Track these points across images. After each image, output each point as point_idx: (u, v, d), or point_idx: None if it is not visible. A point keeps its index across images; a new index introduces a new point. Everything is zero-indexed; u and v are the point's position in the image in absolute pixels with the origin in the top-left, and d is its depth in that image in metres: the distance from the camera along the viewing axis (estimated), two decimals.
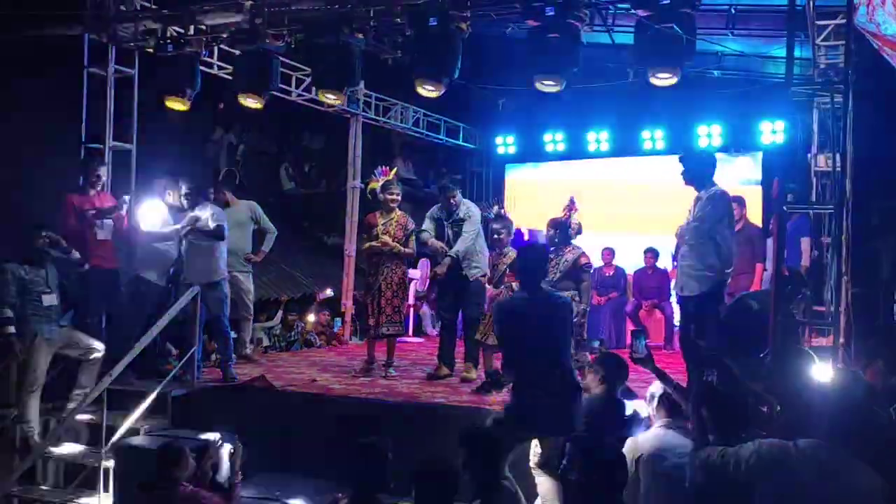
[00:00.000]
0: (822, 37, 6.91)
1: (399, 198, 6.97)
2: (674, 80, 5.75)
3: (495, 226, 6.73)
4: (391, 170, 7.29)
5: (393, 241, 6.76)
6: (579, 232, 6.47)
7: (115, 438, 5.63)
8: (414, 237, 6.88)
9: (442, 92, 6.21)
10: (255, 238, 7.85)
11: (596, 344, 5.90)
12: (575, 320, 5.98)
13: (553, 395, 4.30)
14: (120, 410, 5.84)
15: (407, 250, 6.84)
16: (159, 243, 6.80)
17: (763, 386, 4.68)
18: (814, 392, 4.47)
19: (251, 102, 7.01)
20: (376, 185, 7.12)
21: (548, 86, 5.81)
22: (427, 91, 6.20)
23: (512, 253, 6.43)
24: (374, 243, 6.79)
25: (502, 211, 6.80)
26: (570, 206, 6.44)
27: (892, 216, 10.70)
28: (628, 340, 9.69)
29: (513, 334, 4.52)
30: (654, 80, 5.86)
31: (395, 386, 6.45)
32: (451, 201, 6.75)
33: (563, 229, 6.27)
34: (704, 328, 5.42)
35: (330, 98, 7.04)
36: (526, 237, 9.92)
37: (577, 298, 6.02)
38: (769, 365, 5.00)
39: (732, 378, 4.93)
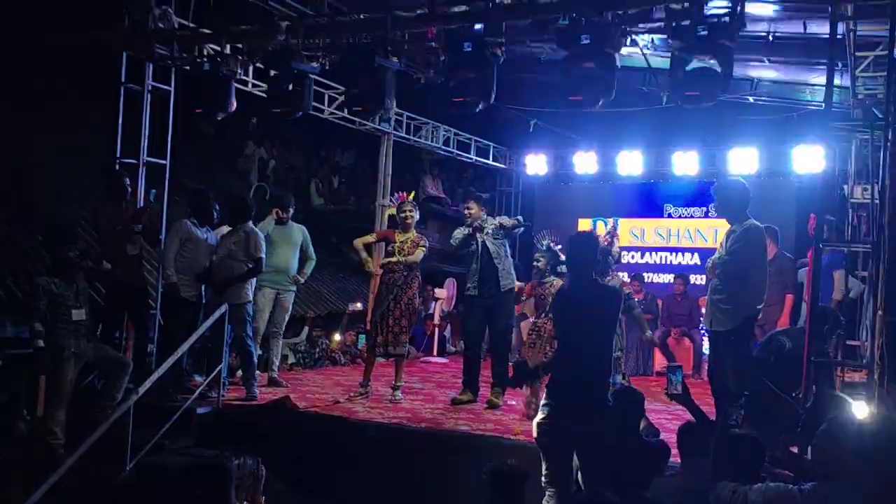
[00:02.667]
0: (861, 67, 6.79)
1: (414, 215, 7.00)
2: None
3: (537, 254, 6.76)
4: (409, 194, 7.34)
5: (405, 257, 6.81)
6: (618, 261, 6.39)
7: (139, 455, 5.64)
8: (423, 249, 6.89)
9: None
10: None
11: (619, 378, 5.80)
12: (617, 353, 5.95)
13: (588, 413, 4.15)
14: (145, 427, 5.86)
15: (411, 258, 6.83)
16: (189, 254, 6.83)
17: (796, 426, 4.61)
18: (848, 432, 4.39)
19: None
20: (393, 210, 7.19)
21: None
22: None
23: (557, 281, 6.44)
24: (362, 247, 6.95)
25: (552, 244, 6.76)
26: (613, 233, 6.36)
27: None
28: (655, 367, 9.71)
29: (565, 325, 4.44)
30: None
31: (419, 411, 6.42)
32: (468, 213, 6.87)
33: (604, 256, 6.20)
34: (734, 365, 5.32)
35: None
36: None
37: (617, 331, 5.92)
38: (802, 405, 4.92)
39: (762, 418, 4.87)
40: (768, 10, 7.08)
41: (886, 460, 3.27)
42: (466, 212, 6.94)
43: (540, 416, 4.18)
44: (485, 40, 5.85)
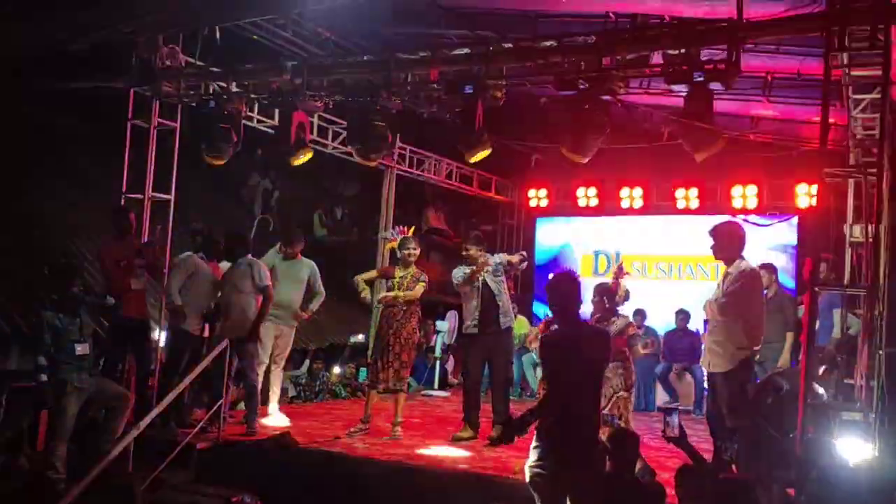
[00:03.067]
0: (858, 109, 6.86)
1: (417, 252, 7.07)
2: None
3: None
4: (409, 228, 7.39)
5: (406, 292, 6.85)
6: (626, 299, 6.40)
7: (141, 488, 5.66)
8: (423, 284, 6.93)
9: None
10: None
11: (617, 419, 5.80)
12: (623, 394, 5.96)
13: (576, 459, 4.10)
14: (145, 461, 5.89)
15: (410, 294, 6.87)
16: (194, 289, 6.90)
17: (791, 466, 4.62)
18: (842, 473, 4.40)
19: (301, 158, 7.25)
20: (394, 244, 7.24)
21: (575, 157, 5.84)
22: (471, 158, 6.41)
23: None
24: (387, 294, 6.92)
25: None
26: (619, 273, 6.37)
27: None
28: (658, 402, 9.71)
29: (554, 371, 4.30)
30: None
31: (418, 447, 6.43)
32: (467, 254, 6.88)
33: (610, 296, 6.21)
34: (731, 405, 5.35)
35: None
36: None
37: (621, 371, 5.95)
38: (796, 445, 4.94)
39: (757, 459, 4.88)
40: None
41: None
42: (465, 253, 6.96)
43: (531, 458, 4.18)
44: (486, 82, 5.96)
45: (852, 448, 4.93)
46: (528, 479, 4.19)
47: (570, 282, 4.34)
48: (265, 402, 7.35)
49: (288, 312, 7.41)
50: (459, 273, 6.94)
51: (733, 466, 5.13)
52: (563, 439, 4.08)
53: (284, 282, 7.32)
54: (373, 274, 7.32)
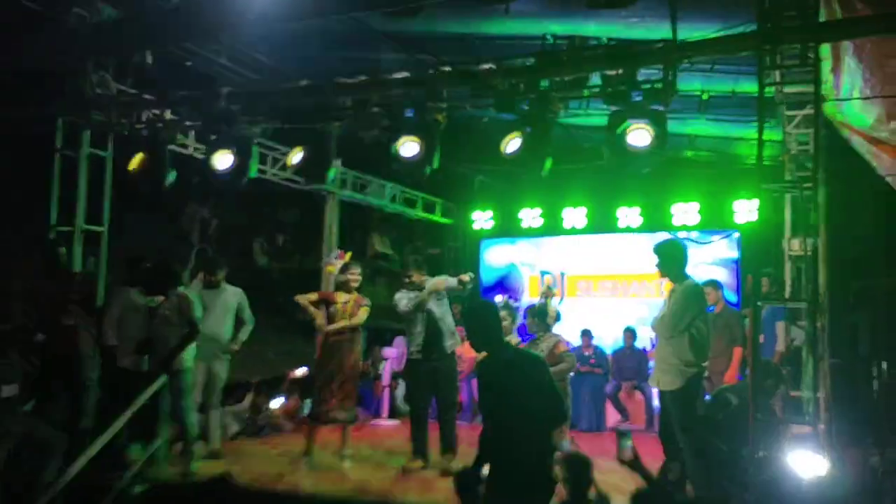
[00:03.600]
0: (792, 125, 7.00)
1: (359, 277, 6.93)
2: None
3: (502, 312, 6.67)
4: (346, 253, 7.25)
5: (349, 319, 6.73)
6: (557, 320, 6.40)
7: None
8: (366, 309, 6.84)
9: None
10: None
11: (566, 444, 5.76)
12: None
13: (523, 489, 4.00)
14: None
15: (356, 319, 6.78)
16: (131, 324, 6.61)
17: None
18: (792, 485, 4.41)
19: None
20: (333, 269, 7.10)
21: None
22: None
23: (515, 338, 6.52)
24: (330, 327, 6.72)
25: (511, 301, 6.75)
26: (547, 293, 6.37)
27: (867, 295, 10.77)
28: (609, 423, 9.69)
29: (486, 400, 4.24)
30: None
31: (368, 481, 6.25)
32: (409, 280, 6.74)
33: (541, 317, 6.21)
34: (682, 423, 5.33)
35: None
36: None
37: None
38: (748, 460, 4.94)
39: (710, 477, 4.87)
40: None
41: None
42: (406, 280, 6.82)
43: (483, 489, 4.07)
44: (426, 105, 5.90)
45: (804, 461, 4.95)
46: None
47: (484, 311, 4.26)
48: (205, 441, 7.08)
49: (217, 344, 7.08)
50: (404, 299, 6.77)
51: (688, 486, 5.09)
52: (506, 470, 3.97)
53: (211, 312, 6.98)
54: (313, 297, 7.05)
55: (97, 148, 7.29)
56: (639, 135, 5.38)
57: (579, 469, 4.37)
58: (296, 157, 6.66)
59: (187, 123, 7.23)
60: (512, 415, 4.03)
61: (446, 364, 6.74)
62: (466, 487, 4.07)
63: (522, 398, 4.05)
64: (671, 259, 5.58)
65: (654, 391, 9.69)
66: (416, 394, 6.92)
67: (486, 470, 4.08)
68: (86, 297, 6.73)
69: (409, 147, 5.88)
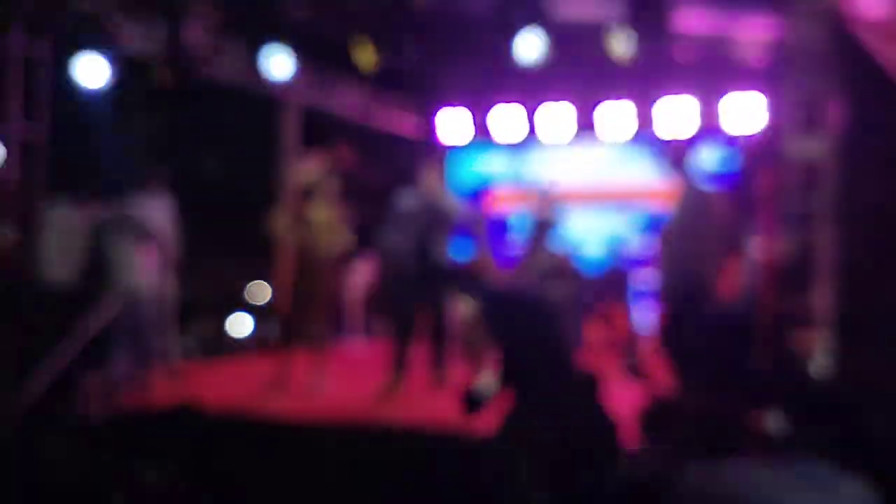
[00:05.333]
0: (802, 20, 6.57)
1: (336, 189, 6.49)
2: None
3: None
4: (323, 159, 6.67)
5: (326, 235, 6.31)
6: (556, 230, 6.05)
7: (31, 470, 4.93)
8: (345, 230, 6.51)
9: None
10: None
11: None
12: None
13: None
14: (35, 436, 5.16)
15: (339, 246, 6.45)
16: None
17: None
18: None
19: None
20: (308, 171, 6.55)
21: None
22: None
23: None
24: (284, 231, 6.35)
25: (480, 212, 6.45)
26: (546, 201, 5.98)
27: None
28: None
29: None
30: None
31: (343, 400, 5.89)
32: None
33: (545, 232, 5.86)
34: (689, 333, 5.08)
35: None
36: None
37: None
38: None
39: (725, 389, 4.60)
40: None
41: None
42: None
43: None
44: None
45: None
46: None
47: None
48: (164, 362, 6.63)
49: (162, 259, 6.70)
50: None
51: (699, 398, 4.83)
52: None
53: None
54: (287, 220, 6.51)
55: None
56: None
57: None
58: None
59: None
60: None
61: (435, 283, 6.39)
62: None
63: None
64: (677, 161, 5.23)
65: (640, 308, 9.54)
66: (400, 311, 6.56)
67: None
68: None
69: None
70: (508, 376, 3.81)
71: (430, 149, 12.17)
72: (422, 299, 6.40)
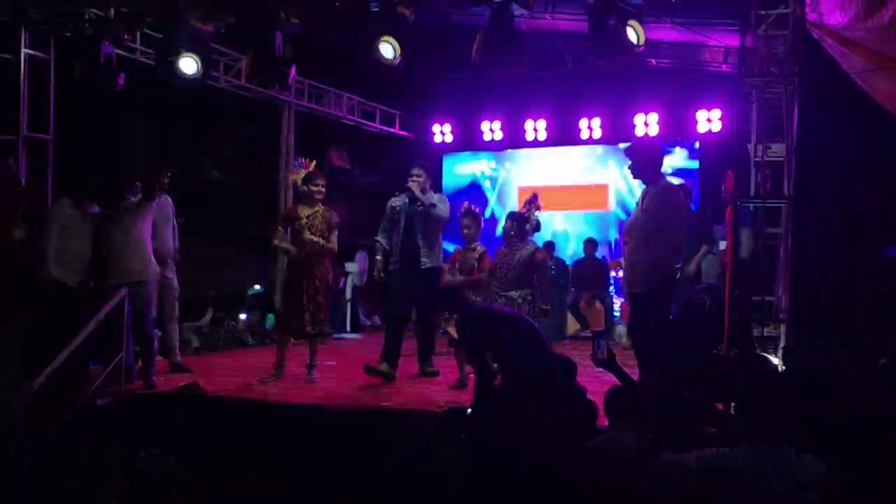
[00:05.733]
0: (763, 26, 6.85)
1: (324, 190, 6.58)
2: None
3: (465, 220, 6.48)
4: (311, 162, 6.91)
5: (317, 236, 6.42)
6: (537, 230, 6.28)
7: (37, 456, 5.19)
8: (336, 232, 6.55)
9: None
10: None
11: None
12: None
13: None
14: (41, 426, 5.39)
15: (329, 245, 6.49)
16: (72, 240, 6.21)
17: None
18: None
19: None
20: (298, 177, 6.79)
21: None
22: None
23: (480, 248, 6.36)
24: (291, 248, 6.44)
25: (472, 207, 6.58)
26: (532, 201, 6.24)
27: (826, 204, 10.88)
28: (569, 332, 9.78)
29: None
30: None
31: (337, 390, 6.17)
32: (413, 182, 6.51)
33: (521, 224, 6.08)
34: (656, 325, 5.29)
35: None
36: None
37: (530, 297, 5.84)
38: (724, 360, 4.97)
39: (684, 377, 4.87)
40: None
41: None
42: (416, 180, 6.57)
43: None
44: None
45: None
46: None
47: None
48: (165, 354, 6.89)
49: (164, 254, 6.83)
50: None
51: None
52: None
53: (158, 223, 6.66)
54: (280, 231, 6.65)
55: (38, 50, 6.83)
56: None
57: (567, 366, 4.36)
58: None
59: (133, 23, 6.77)
60: None
61: (424, 280, 6.50)
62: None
63: None
64: (646, 159, 5.43)
65: (615, 300, 9.84)
66: (391, 306, 6.82)
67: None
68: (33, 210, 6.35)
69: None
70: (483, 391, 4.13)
71: (421, 151, 12.50)
72: (411, 296, 6.61)
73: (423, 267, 6.53)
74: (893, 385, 4.25)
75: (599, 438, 4.07)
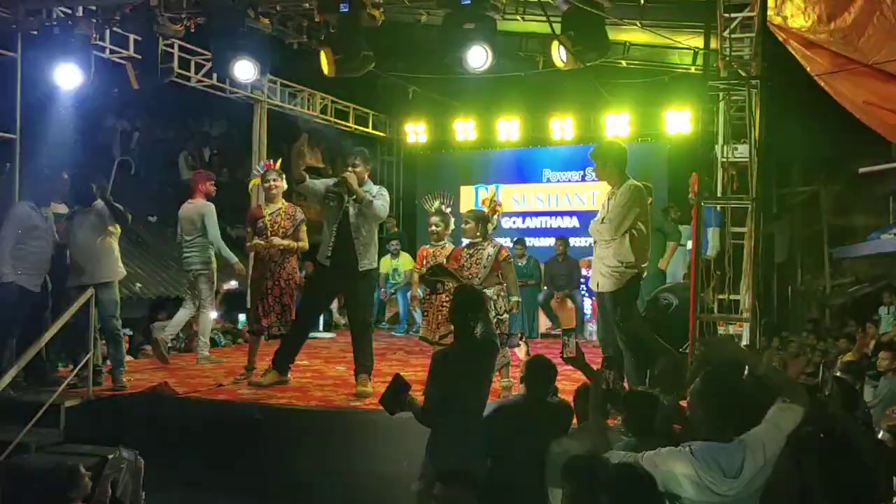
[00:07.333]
0: (729, 28, 6.95)
1: (279, 185, 6.44)
2: None
3: (434, 218, 6.30)
4: (276, 162, 6.83)
5: (282, 232, 6.36)
6: (496, 228, 6.29)
7: (2, 457, 5.16)
8: (304, 228, 6.47)
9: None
10: None
11: (517, 334, 5.74)
12: (505, 316, 5.87)
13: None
14: (7, 424, 5.37)
15: (300, 244, 6.44)
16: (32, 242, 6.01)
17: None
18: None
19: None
20: (258, 181, 6.77)
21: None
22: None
23: (450, 245, 6.27)
24: (259, 241, 6.37)
25: (443, 206, 6.45)
26: (493, 202, 6.25)
27: (785, 203, 11.08)
28: (541, 329, 9.86)
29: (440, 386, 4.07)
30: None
31: (308, 389, 6.17)
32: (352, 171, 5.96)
33: (484, 223, 6.07)
34: (623, 324, 5.36)
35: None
36: None
37: (503, 293, 5.87)
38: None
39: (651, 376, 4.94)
40: None
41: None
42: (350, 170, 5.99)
43: None
44: (362, 1, 5.61)
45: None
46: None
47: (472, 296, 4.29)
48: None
49: None
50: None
51: (624, 384, 5.16)
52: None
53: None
54: (249, 232, 6.57)
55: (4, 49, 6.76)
56: None
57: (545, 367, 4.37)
58: None
59: (102, 21, 6.72)
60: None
61: (360, 281, 6.09)
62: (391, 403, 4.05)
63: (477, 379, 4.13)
64: (611, 160, 5.50)
65: (585, 299, 9.93)
66: (308, 301, 6.50)
67: None
68: None
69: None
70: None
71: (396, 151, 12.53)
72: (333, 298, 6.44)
73: (360, 269, 6.01)
74: None
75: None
